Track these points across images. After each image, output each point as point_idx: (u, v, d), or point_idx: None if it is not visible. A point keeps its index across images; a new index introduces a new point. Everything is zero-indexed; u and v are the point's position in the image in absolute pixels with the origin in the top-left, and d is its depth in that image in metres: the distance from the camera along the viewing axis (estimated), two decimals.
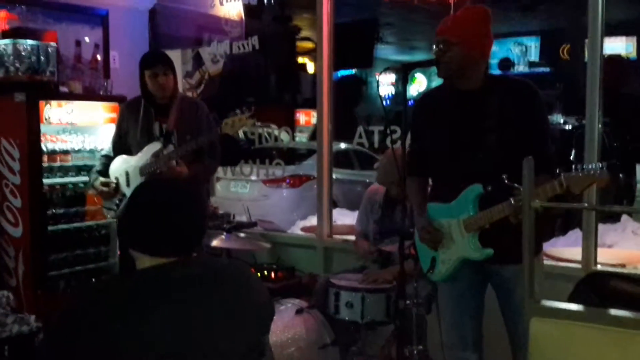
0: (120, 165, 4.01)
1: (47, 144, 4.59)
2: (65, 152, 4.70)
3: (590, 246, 3.62)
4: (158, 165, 3.77)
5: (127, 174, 3.97)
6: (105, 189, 4.03)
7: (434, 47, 2.74)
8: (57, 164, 4.66)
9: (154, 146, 3.85)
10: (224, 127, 3.60)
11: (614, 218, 4.59)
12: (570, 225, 4.73)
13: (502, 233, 2.56)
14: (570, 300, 2.28)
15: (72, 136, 4.76)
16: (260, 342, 1.84)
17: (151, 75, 3.84)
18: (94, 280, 4.71)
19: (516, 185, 2.44)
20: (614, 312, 1.78)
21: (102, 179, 4.04)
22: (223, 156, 4.07)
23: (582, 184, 2.38)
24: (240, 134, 5.11)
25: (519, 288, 2.64)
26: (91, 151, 4.80)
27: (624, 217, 4.57)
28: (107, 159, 4.12)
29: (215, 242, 3.74)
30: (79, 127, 4.79)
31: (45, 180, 4.55)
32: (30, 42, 4.48)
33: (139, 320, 1.58)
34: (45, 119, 4.49)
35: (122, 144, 4.06)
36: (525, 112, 2.68)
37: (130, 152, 4.01)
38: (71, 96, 4.70)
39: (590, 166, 2.38)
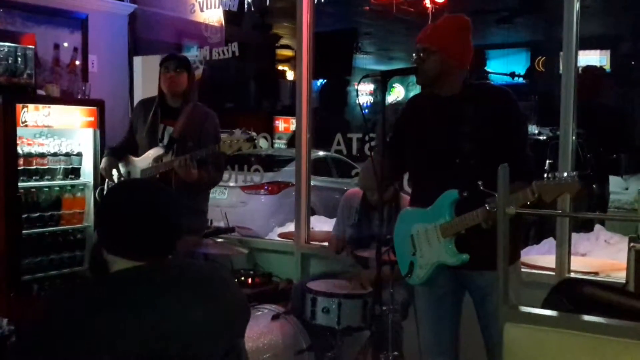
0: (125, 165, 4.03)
1: (23, 147, 4.55)
2: (42, 156, 4.67)
3: (564, 254, 3.66)
4: (157, 170, 3.76)
5: (129, 174, 3.97)
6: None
7: (414, 55, 2.78)
8: (33, 167, 4.62)
9: (157, 151, 3.84)
10: (222, 145, 3.56)
11: (587, 227, 4.65)
12: (543, 234, 4.78)
13: (479, 239, 2.58)
14: (544, 306, 2.30)
15: (49, 139, 4.72)
16: (236, 345, 1.84)
17: (163, 70, 3.84)
18: (67, 284, 4.67)
19: (492, 192, 2.47)
20: (587, 318, 1.80)
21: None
22: None
23: (553, 192, 2.39)
24: None
25: (495, 294, 2.67)
26: (68, 154, 4.78)
27: (597, 226, 4.63)
28: (113, 151, 4.09)
29: None
30: (55, 131, 4.76)
31: (21, 184, 4.50)
32: (7, 44, 4.45)
33: (115, 323, 1.57)
34: (22, 122, 4.45)
35: (132, 141, 4.05)
36: (502, 119, 2.71)
37: (136, 150, 4.00)
38: (48, 100, 4.66)
39: (562, 175, 2.39)
